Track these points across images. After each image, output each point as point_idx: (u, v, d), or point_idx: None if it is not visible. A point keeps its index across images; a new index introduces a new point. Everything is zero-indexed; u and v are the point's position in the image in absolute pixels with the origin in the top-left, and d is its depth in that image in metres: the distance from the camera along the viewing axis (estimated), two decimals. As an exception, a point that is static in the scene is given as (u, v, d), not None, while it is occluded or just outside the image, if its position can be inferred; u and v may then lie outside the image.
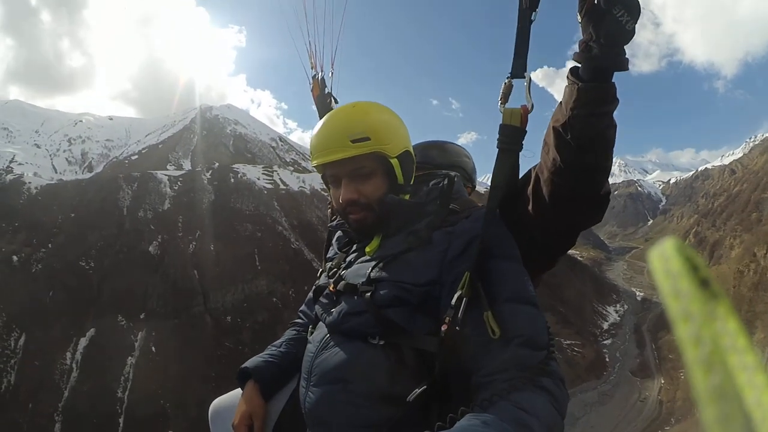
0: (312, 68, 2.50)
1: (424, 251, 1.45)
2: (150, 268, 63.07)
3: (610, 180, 1.55)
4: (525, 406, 1.11)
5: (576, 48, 1.30)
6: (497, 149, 1.48)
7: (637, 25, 1.21)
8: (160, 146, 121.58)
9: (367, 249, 1.58)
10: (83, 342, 54.63)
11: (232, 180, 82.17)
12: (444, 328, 1.28)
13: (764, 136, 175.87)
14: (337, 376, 1.41)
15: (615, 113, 1.32)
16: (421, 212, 1.57)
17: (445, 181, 1.64)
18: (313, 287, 1.81)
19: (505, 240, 1.43)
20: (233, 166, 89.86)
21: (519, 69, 1.44)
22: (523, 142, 1.49)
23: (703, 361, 0.28)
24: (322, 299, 1.62)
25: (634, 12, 1.17)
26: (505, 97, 1.48)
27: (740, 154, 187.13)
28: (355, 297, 1.46)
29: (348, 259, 1.65)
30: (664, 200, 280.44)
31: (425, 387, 1.29)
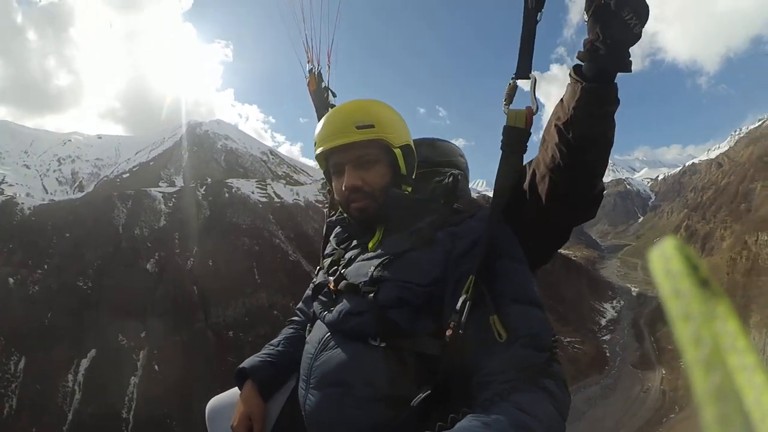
0: (308, 62, 2.44)
1: (428, 250, 1.44)
2: (149, 286, 62.62)
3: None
4: (526, 407, 1.11)
5: (580, 47, 1.29)
6: (501, 151, 1.46)
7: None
8: (151, 164, 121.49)
9: (369, 244, 1.58)
10: (85, 363, 54.12)
11: (227, 195, 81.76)
12: (449, 333, 1.28)
13: (749, 129, 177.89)
14: (338, 379, 1.40)
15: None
16: (424, 209, 1.56)
17: (450, 179, 1.64)
18: (311, 284, 1.80)
19: (509, 241, 1.42)
20: (227, 180, 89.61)
21: (524, 70, 1.43)
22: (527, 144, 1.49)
23: (702, 361, 0.28)
24: (321, 297, 1.60)
25: (643, 15, 1.18)
26: (510, 98, 1.47)
27: (726, 147, 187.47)
28: (357, 297, 1.45)
29: (347, 255, 1.64)
30: (653, 197, 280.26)
31: (429, 392, 1.28)
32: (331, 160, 1.62)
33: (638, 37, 1.21)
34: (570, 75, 1.32)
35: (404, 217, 1.55)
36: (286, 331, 1.91)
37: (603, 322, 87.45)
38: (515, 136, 1.43)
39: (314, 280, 1.76)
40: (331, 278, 1.57)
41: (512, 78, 1.45)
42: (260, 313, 60.98)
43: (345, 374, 1.39)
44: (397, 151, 1.57)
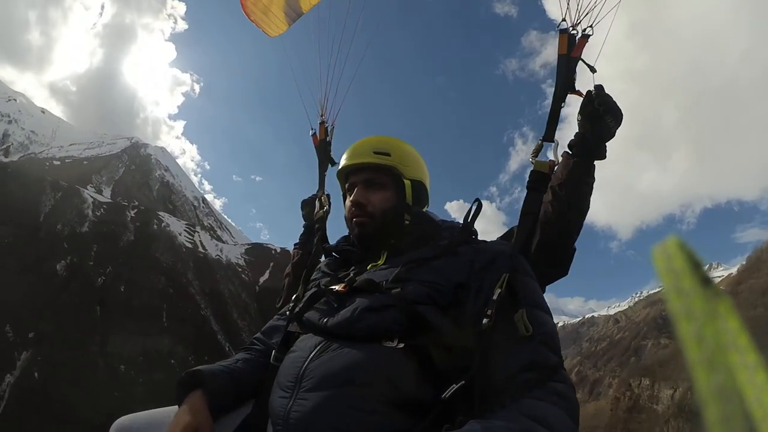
0: (321, 116, 2.76)
1: (451, 260, 1.46)
2: (54, 287, 59.87)
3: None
4: (536, 414, 1.09)
5: (572, 136, 1.84)
6: (527, 189, 1.71)
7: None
8: (84, 163, 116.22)
9: (380, 262, 1.58)
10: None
11: (155, 227, 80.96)
12: (485, 321, 1.27)
13: (648, 293, 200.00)
14: (348, 378, 1.25)
15: None
16: (439, 230, 1.63)
17: (474, 206, 1.65)
18: (277, 316, 1.83)
19: (526, 262, 1.49)
20: (159, 213, 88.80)
21: (550, 135, 1.78)
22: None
23: (705, 361, 0.28)
24: (319, 306, 1.50)
25: (619, 120, 1.73)
26: (536, 153, 1.76)
27: (626, 307, 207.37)
28: (378, 294, 1.39)
29: (351, 271, 1.59)
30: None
31: (463, 383, 1.21)
32: (348, 180, 1.72)
33: (613, 135, 1.77)
34: (563, 154, 1.83)
35: (408, 241, 1.60)
36: (242, 355, 1.69)
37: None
38: (540, 177, 1.71)
39: (289, 305, 1.70)
40: (337, 286, 1.51)
41: (540, 139, 1.79)
42: (159, 357, 59.27)
43: (358, 372, 1.26)
44: (407, 182, 1.66)
